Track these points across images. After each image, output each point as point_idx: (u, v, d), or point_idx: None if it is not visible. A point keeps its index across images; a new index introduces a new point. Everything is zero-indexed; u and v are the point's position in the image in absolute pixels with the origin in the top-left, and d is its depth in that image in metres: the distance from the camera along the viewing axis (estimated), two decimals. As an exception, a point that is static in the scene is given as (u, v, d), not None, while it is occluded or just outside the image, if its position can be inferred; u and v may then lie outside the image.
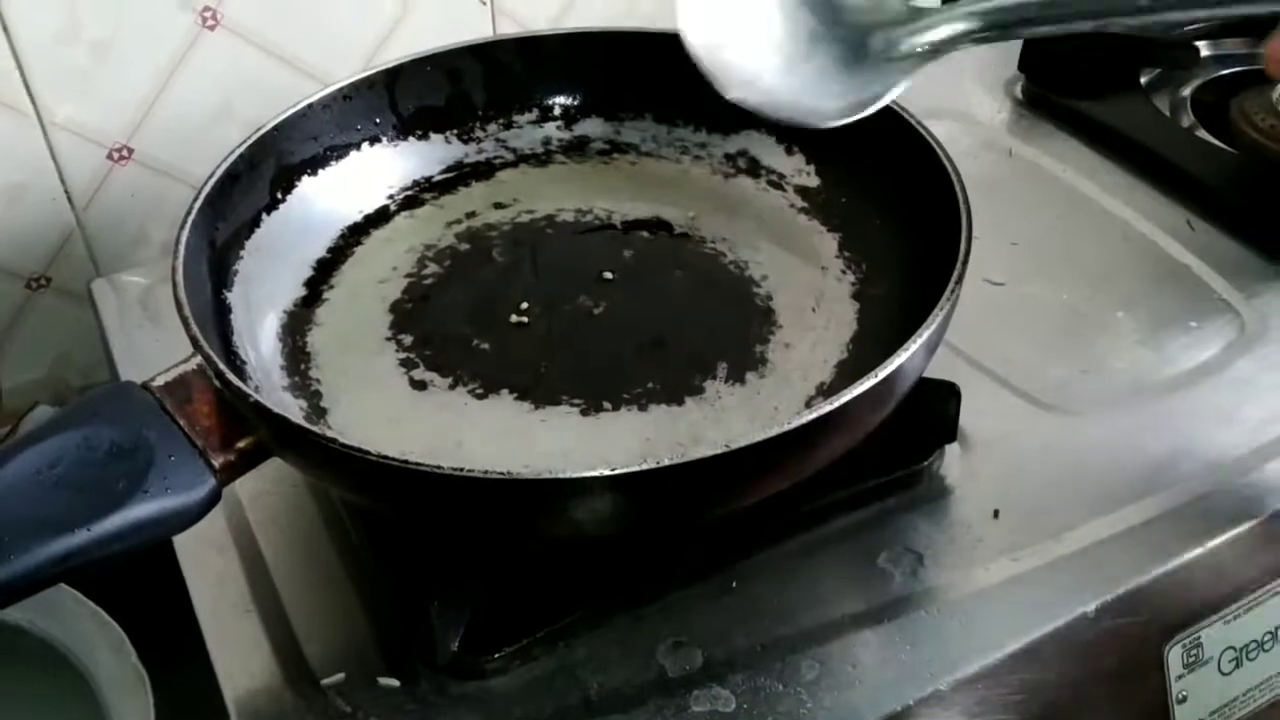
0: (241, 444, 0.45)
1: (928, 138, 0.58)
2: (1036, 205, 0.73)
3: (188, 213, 0.53)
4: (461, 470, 0.42)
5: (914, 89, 0.83)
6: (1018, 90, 0.84)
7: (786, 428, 0.43)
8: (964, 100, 0.84)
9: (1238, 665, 0.55)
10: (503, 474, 0.42)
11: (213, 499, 0.44)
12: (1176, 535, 0.53)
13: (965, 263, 0.50)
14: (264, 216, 0.60)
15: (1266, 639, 0.55)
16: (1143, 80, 0.82)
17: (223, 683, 0.49)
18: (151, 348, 0.65)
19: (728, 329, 0.58)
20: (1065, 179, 0.75)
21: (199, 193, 0.54)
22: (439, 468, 0.42)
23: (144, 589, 0.55)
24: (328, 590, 0.53)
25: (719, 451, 0.42)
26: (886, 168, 0.61)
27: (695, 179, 0.68)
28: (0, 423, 0.76)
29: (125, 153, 0.73)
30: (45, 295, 0.76)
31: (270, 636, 0.51)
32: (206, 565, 0.54)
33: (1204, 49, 0.84)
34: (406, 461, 0.42)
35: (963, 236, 0.51)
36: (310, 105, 0.62)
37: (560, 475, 0.42)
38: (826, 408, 0.43)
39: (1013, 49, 0.85)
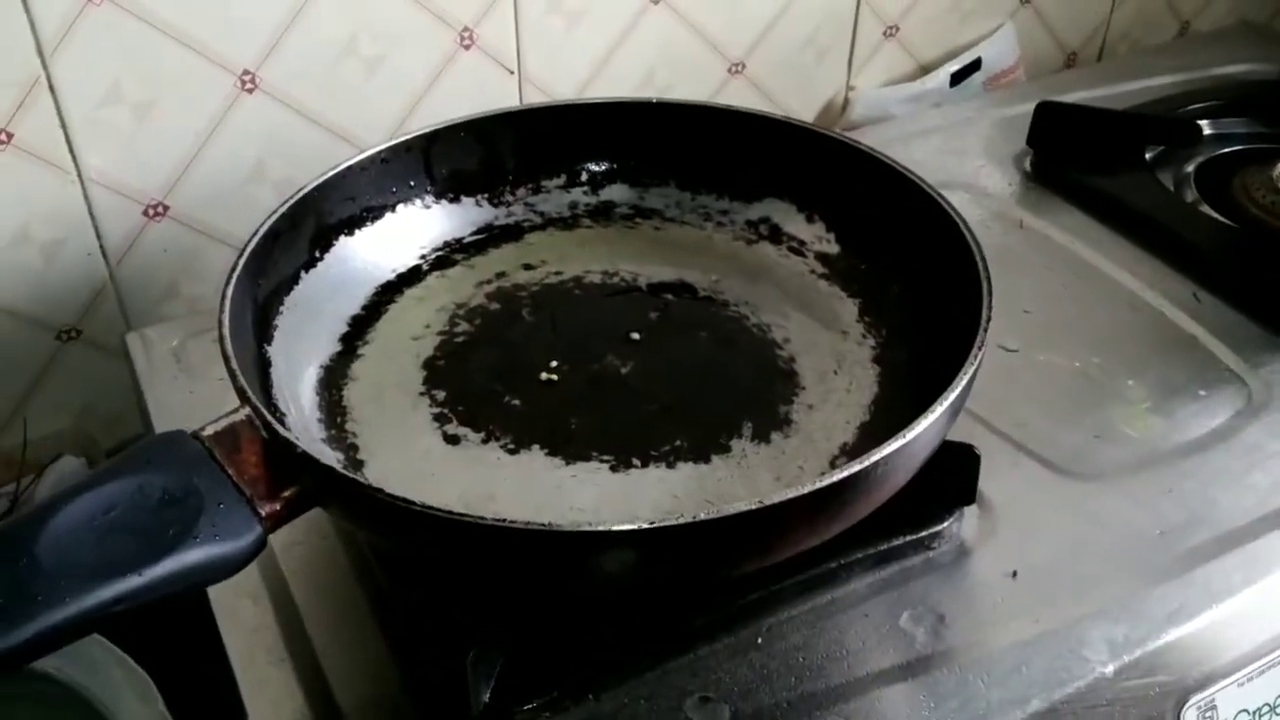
0: (287, 493, 0.47)
1: (948, 209, 0.60)
2: (1047, 275, 0.75)
3: (233, 269, 0.55)
4: (503, 521, 0.43)
5: (926, 161, 0.86)
6: (1026, 164, 0.86)
7: (818, 485, 0.44)
8: (974, 173, 0.86)
9: (1251, 728, 0.56)
10: (544, 526, 0.43)
11: (259, 546, 0.45)
12: (1192, 598, 0.54)
13: (986, 330, 0.52)
14: (303, 274, 0.62)
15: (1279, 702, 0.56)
16: (1148, 156, 0.85)
17: (256, 730, 0.50)
18: (184, 399, 0.67)
19: (752, 390, 0.60)
20: (1074, 250, 0.78)
21: (244, 249, 0.56)
22: (482, 519, 0.43)
23: (170, 638, 0.56)
24: (360, 640, 0.53)
25: (752, 507, 0.43)
26: (906, 236, 0.63)
27: (718, 244, 0.70)
28: (24, 472, 0.77)
29: (161, 209, 0.75)
30: (75, 347, 0.77)
31: (303, 685, 0.51)
32: (240, 614, 0.55)
33: (1206, 127, 0.87)
34: (450, 512, 0.43)
35: (984, 305, 0.53)
36: (349, 167, 0.64)
37: (600, 528, 0.43)
38: (856, 467, 0.45)
39: (1021, 124, 0.88)
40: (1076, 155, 0.84)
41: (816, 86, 0.96)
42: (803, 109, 0.97)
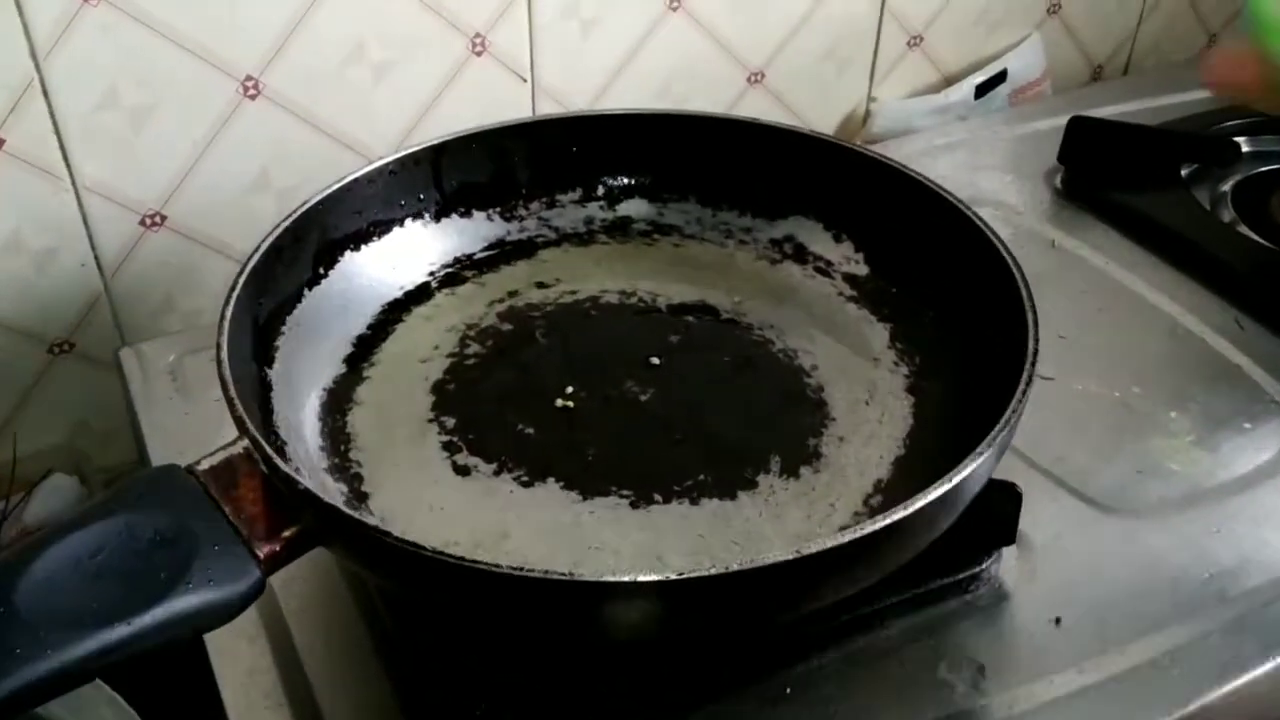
0: (287, 533, 0.44)
1: (986, 231, 0.57)
2: (1082, 298, 0.72)
3: (232, 287, 0.52)
4: (521, 570, 0.40)
5: (951, 177, 0.83)
6: (1057, 181, 0.83)
7: (861, 533, 0.41)
8: (1002, 189, 0.83)
9: (1305, 786, 0.53)
10: (564, 575, 0.40)
11: (256, 591, 0.42)
12: (1247, 648, 0.51)
13: (1034, 363, 0.49)
14: (306, 292, 0.59)
15: (1336, 759, 0.53)
16: (1183, 173, 0.82)
17: (251, 782, 0.46)
18: (180, 421, 0.64)
19: (779, 420, 0.57)
20: (1109, 272, 0.75)
21: (244, 267, 0.53)
22: (498, 566, 0.40)
23: (163, 677, 0.53)
24: (362, 685, 0.50)
25: (789, 557, 0.40)
26: (940, 258, 0.60)
27: (740, 264, 0.66)
28: (13, 490, 0.74)
29: (158, 219, 0.72)
30: (67, 361, 0.74)
31: (302, 733, 0.48)
32: (237, 655, 0.51)
33: (1244, 145, 0.84)
34: (463, 559, 0.40)
35: (1030, 335, 0.50)
36: (355, 180, 0.60)
37: (625, 579, 0.40)
38: (902, 512, 0.42)
39: (1049, 139, 0.85)
40: (1109, 172, 0.81)
41: (837, 97, 0.93)
42: (823, 121, 0.94)
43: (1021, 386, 0.47)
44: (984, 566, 0.54)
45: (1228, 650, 0.51)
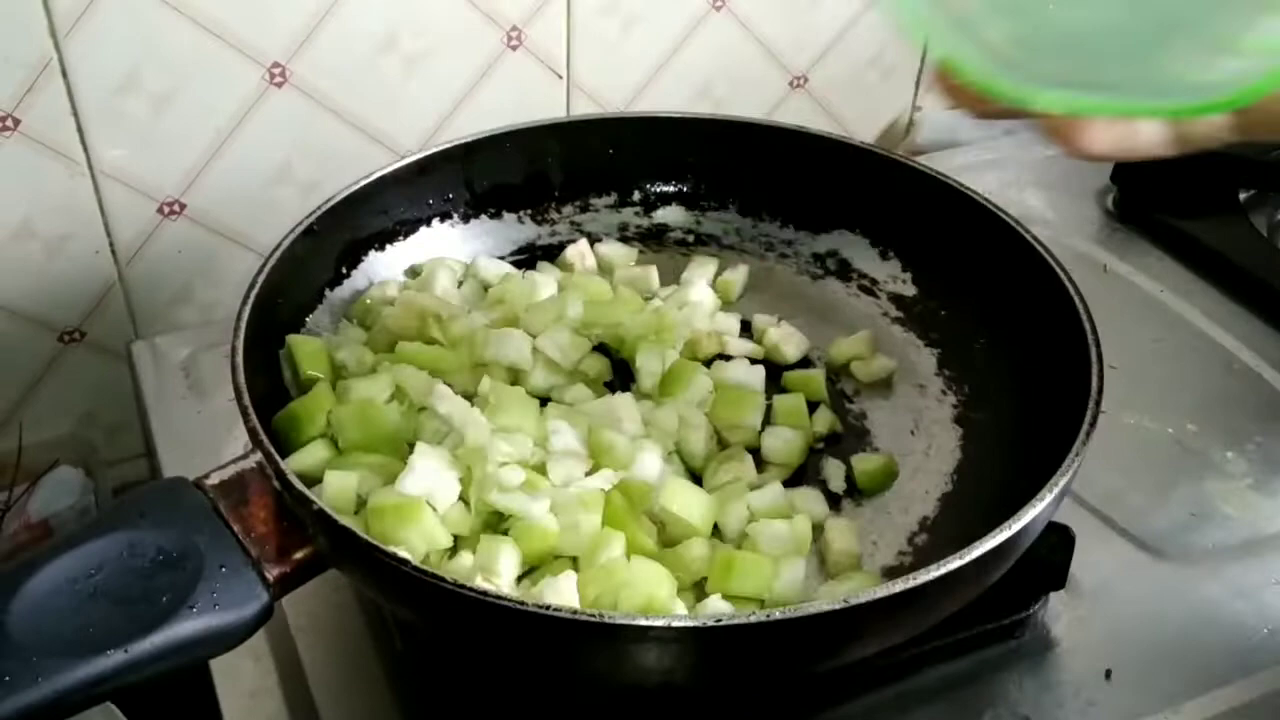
0: (299, 555, 0.41)
1: (1044, 253, 0.54)
2: (1135, 327, 0.69)
3: (250, 287, 0.49)
4: (547, 609, 0.37)
5: (999, 193, 0.80)
6: (1109, 201, 0.80)
7: (911, 584, 0.38)
8: (1052, 208, 0.80)
9: None
10: (592, 616, 0.37)
11: (264, 617, 0.40)
12: (1309, 712, 0.48)
13: (1099, 403, 0.46)
14: (328, 292, 0.56)
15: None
16: (1241, 198, 0.78)
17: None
18: (191, 421, 0.61)
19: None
20: (1163, 300, 0.71)
21: (262, 266, 0.51)
22: (523, 604, 0.37)
23: (164, 692, 0.51)
24: (371, 712, 0.48)
25: (835, 607, 0.38)
26: (993, 282, 0.57)
27: (780, 278, 0.64)
28: (17, 480, 0.71)
29: (177, 208, 0.70)
30: (77, 350, 0.72)
31: (306, 762, 0.46)
32: (240, 674, 0.49)
33: (1305, 171, 0.80)
34: (486, 594, 0.38)
35: (1094, 372, 0.47)
36: (383, 177, 0.58)
37: (657, 623, 0.37)
38: (957, 563, 0.39)
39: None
40: (1164, 195, 0.78)
41: (881, 105, 0.90)
42: (865, 129, 0.91)
43: (1085, 428, 0.44)
44: (1031, 611, 0.51)
45: (1289, 713, 0.48)
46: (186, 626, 0.38)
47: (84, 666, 0.36)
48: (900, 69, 0.89)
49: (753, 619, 0.37)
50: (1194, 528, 0.57)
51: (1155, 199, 0.78)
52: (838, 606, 0.37)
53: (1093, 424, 0.45)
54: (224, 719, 0.48)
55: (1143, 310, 0.71)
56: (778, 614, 0.37)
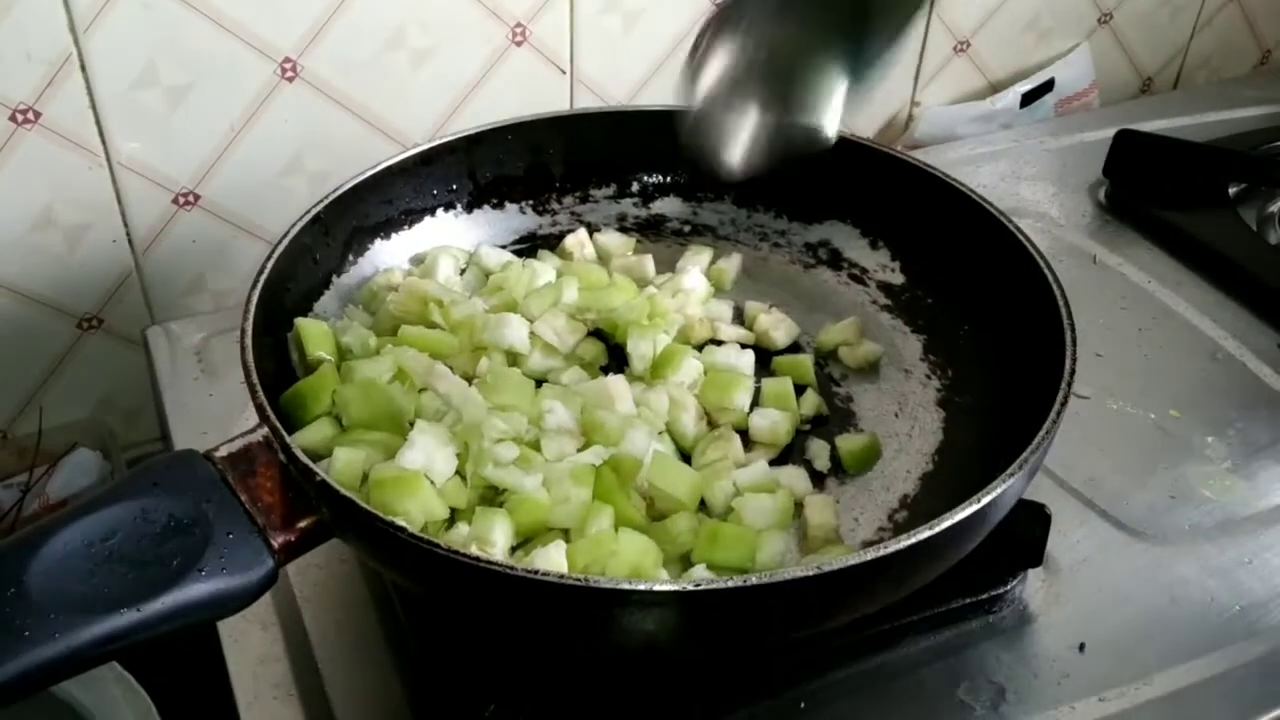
0: (303, 523, 0.43)
1: (1030, 248, 0.55)
2: (1121, 316, 0.71)
3: (259, 272, 0.51)
4: (537, 573, 0.39)
5: (994, 186, 0.82)
6: (1101, 195, 0.82)
7: (885, 551, 0.40)
8: (1045, 201, 0.81)
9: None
10: (580, 581, 0.39)
11: (269, 581, 0.42)
12: (1275, 684, 0.50)
13: (1070, 385, 0.47)
14: (335, 278, 0.58)
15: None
16: (1230, 192, 0.80)
17: (257, 771, 0.46)
18: (204, 403, 0.63)
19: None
20: (1150, 290, 0.73)
21: (271, 252, 0.53)
22: (513, 569, 0.39)
23: (174, 657, 0.53)
24: (374, 678, 0.50)
25: (809, 573, 0.39)
26: (978, 271, 0.59)
27: (773, 266, 0.66)
28: (38, 461, 0.74)
29: (191, 198, 0.72)
30: (95, 337, 0.74)
31: (310, 724, 0.48)
32: (248, 642, 0.51)
33: (1296, 165, 0.82)
34: (478, 559, 0.40)
35: (1067, 354, 0.49)
36: (388, 168, 0.60)
37: (641, 587, 0.39)
38: (926, 532, 0.41)
39: (1095, 151, 0.83)
40: (1155, 188, 0.80)
41: (879, 100, 0.92)
42: (864, 124, 0.92)
43: (1056, 407, 0.46)
44: (1009, 587, 0.53)
45: (1256, 686, 0.50)
46: (195, 589, 0.40)
47: (99, 624, 0.38)
48: (899, 65, 0.90)
49: (730, 584, 0.39)
50: (1172, 509, 0.59)
51: (1146, 192, 0.80)
52: (810, 573, 0.39)
53: (1064, 403, 0.46)
54: (233, 685, 0.50)
55: (1130, 300, 0.72)
56: (754, 579, 0.39)
